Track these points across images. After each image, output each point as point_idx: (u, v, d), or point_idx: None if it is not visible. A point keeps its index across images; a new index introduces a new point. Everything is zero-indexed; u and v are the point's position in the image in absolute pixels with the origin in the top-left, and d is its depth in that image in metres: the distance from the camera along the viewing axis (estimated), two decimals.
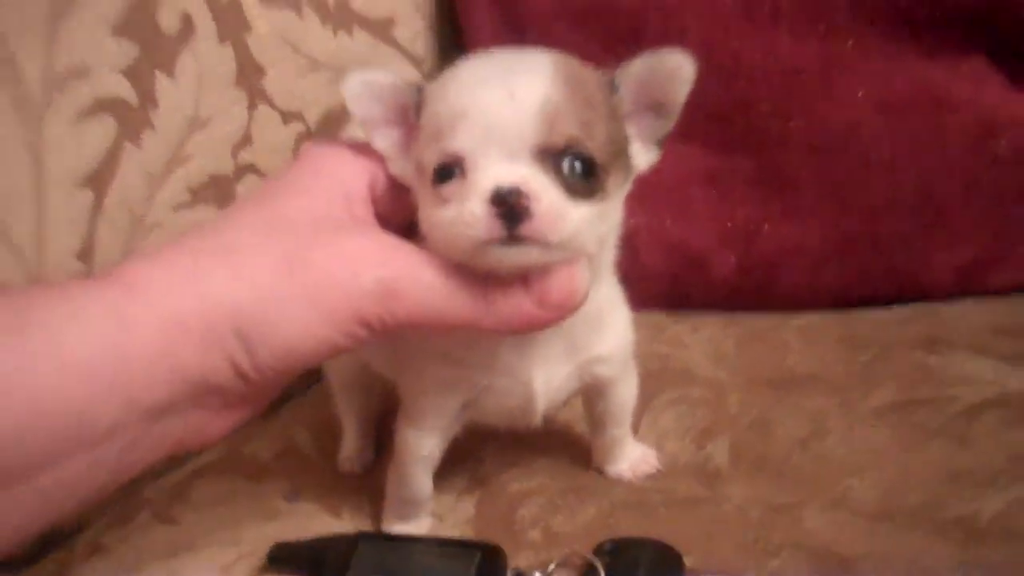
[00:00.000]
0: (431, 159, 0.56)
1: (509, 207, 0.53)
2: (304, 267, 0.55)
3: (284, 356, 0.55)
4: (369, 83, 0.60)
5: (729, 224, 0.88)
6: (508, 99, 0.55)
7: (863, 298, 0.85)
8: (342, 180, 0.60)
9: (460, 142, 0.55)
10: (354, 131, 0.70)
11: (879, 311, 0.86)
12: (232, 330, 0.54)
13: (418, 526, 0.69)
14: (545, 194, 0.54)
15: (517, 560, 0.63)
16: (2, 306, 0.52)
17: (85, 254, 0.73)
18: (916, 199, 0.85)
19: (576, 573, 0.62)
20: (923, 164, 0.85)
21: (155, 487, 0.78)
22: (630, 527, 0.66)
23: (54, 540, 0.74)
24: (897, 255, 0.86)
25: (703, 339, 0.87)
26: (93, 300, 0.53)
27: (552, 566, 0.62)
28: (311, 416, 0.84)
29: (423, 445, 0.66)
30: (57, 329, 0.51)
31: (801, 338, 0.85)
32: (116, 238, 0.75)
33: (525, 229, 0.53)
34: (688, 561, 0.62)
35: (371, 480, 0.74)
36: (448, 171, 0.55)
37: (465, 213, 0.54)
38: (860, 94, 0.85)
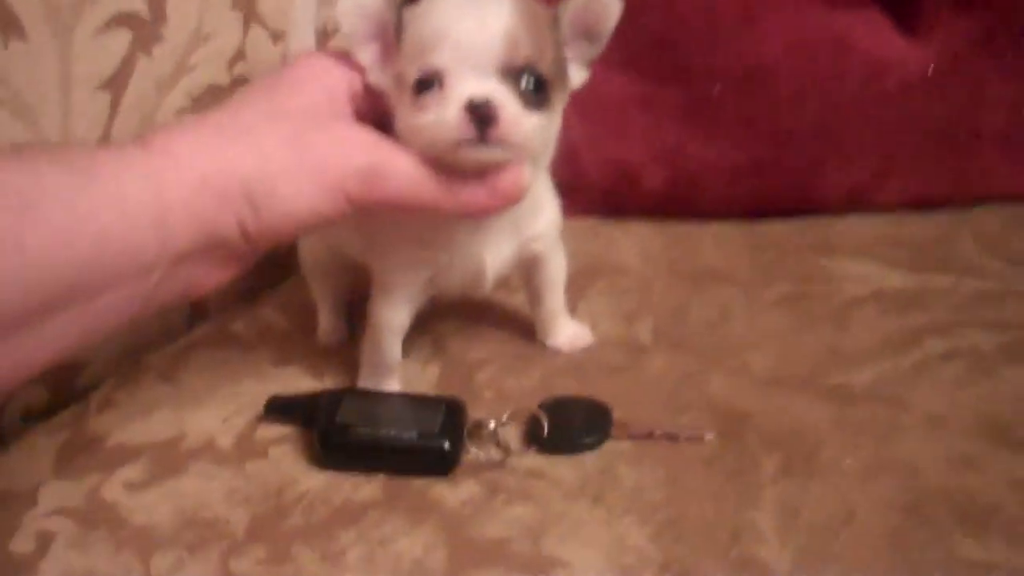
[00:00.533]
0: (412, 73, 0.66)
1: (480, 113, 0.63)
2: (305, 147, 0.65)
3: (282, 219, 0.64)
4: (358, 3, 0.68)
5: (659, 144, 0.95)
6: (480, 26, 0.65)
7: (770, 211, 0.93)
8: (329, 82, 0.69)
9: (439, 59, 0.65)
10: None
11: (782, 222, 0.94)
12: (243, 194, 0.63)
13: (390, 387, 0.78)
14: (508, 104, 0.64)
15: (475, 414, 0.72)
16: (78, 156, 0.61)
17: None
18: (817, 127, 0.93)
19: (524, 423, 0.72)
20: (823, 98, 0.93)
21: (156, 355, 0.85)
22: (568, 388, 0.75)
23: (66, 400, 0.82)
24: (799, 174, 0.95)
25: (633, 240, 0.94)
26: (141, 160, 0.62)
27: (505, 416, 0.71)
28: (288, 302, 0.91)
29: (395, 316, 0.76)
30: (118, 181, 0.60)
31: (715, 241, 0.93)
32: (129, 134, 0.82)
33: (492, 132, 0.64)
34: (615, 415, 0.72)
35: (348, 352, 0.81)
36: (428, 83, 0.65)
37: (443, 117, 0.64)
38: (775, 35, 0.92)
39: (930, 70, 0.93)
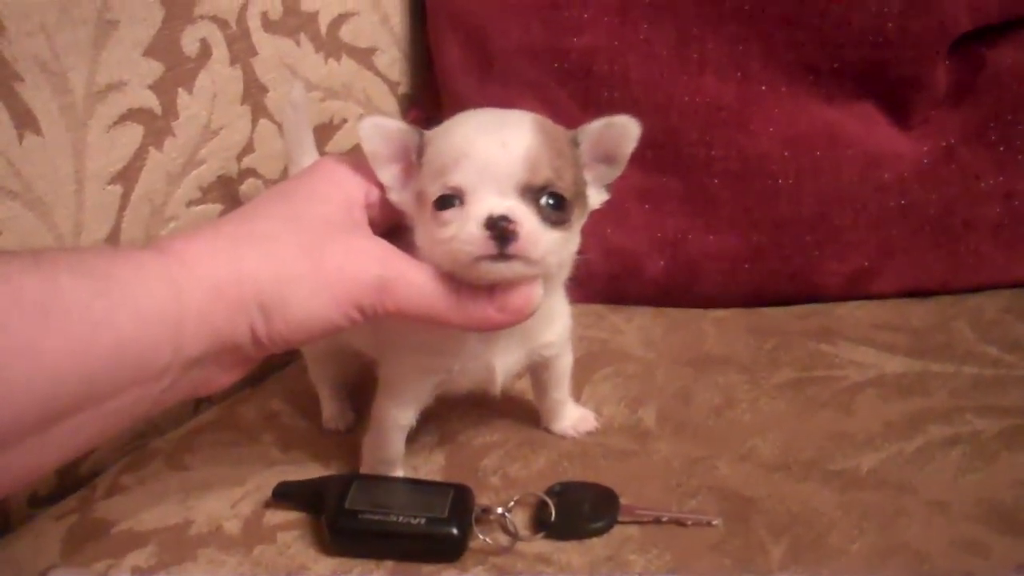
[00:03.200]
0: (434, 190, 0.68)
1: (501, 230, 0.65)
2: (320, 257, 0.66)
3: (295, 327, 0.65)
4: (379, 126, 0.71)
5: (659, 233, 0.96)
6: (501, 147, 0.67)
7: (769, 297, 0.94)
8: (347, 189, 0.71)
9: (461, 178, 0.67)
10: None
11: (782, 309, 0.95)
12: (256, 302, 0.64)
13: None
14: (527, 221, 0.66)
15: (482, 499, 0.73)
16: (95, 261, 0.61)
17: (112, 238, 0.83)
18: (814, 217, 0.94)
19: (531, 509, 0.73)
20: (820, 189, 0.94)
21: (163, 440, 0.86)
22: (575, 473, 0.76)
23: (72, 485, 0.82)
24: (797, 262, 0.95)
25: (636, 327, 0.95)
26: (157, 267, 0.62)
27: (511, 503, 0.72)
28: (293, 387, 0.91)
29: (401, 415, 0.76)
30: (133, 286, 0.60)
31: (717, 328, 0.94)
32: (139, 227, 0.85)
33: (512, 248, 0.65)
34: (623, 500, 0.72)
35: (354, 437, 0.81)
36: (449, 200, 0.67)
37: (464, 233, 0.66)
38: (771, 129, 0.94)
39: (925, 162, 0.95)
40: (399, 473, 0.78)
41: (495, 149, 0.67)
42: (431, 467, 0.80)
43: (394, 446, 0.77)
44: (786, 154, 0.94)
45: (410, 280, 0.67)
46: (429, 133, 0.70)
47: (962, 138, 0.96)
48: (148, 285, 0.61)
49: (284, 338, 0.65)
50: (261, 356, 0.67)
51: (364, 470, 0.78)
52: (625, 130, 0.70)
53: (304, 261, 0.65)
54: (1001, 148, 0.95)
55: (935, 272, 0.97)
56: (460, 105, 0.96)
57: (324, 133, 0.98)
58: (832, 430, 0.79)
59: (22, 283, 0.57)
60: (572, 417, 0.83)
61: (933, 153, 0.96)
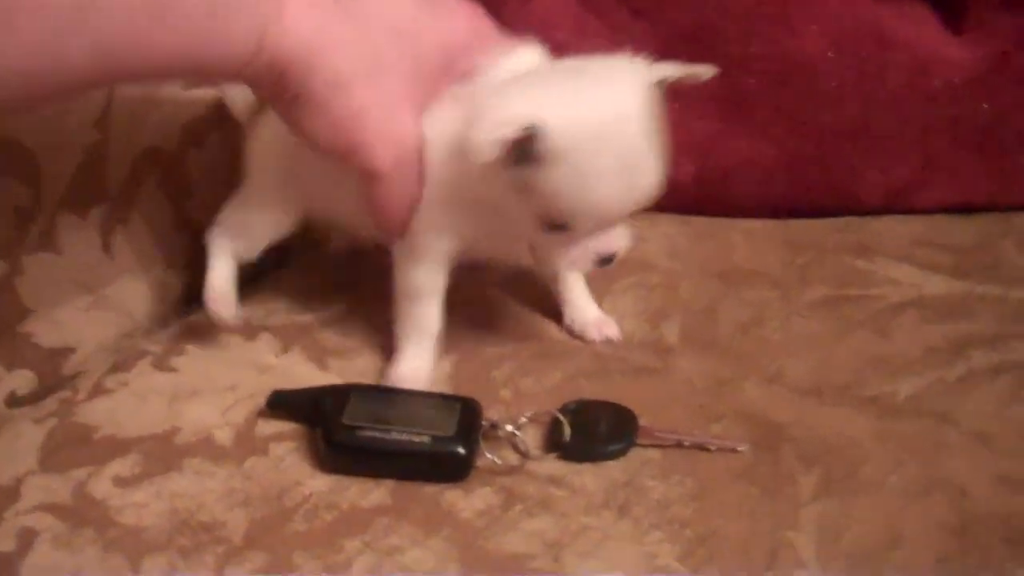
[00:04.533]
0: (548, 213, 0.65)
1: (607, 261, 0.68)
2: None
3: None
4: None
5: (689, 136, 0.91)
6: (628, 191, 0.65)
7: (804, 209, 0.90)
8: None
9: (579, 219, 0.65)
10: None
11: (817, 221, 0.91)
12: None
13: (431, 360, 0.74)
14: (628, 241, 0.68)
15: (490, 414, 0.68)
16: None
17: None
18: (857, 126, 0.90)
19: (544, 427, 0.68)
20: (865, 95, 0.90)
21: (150, 339, 0.81)
22: (591, 391, 0.72)
23: (53, 386, 0.78)
24: (836, 173, 0.91)
25: (660, 234, 0.91)
26: None
27: (523, 419, 0.68)
28: (291, 286, 0.87)
29: (428, 279, 0.73)
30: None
31: (747, 239, 0.90)
32: None
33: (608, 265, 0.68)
34: (642, 421, 0.68)
35: (355, 340, 0.78)
36: (561, 226, 0.65)
37: (571, 254, 0.67)
38: (815, 27, 0.89)
39: (977, 70, 0.90)
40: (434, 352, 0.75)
41: (621, 198, 0.65)
42: (438, 376, 0.75)
43: (428, 315, 0.74)
44: (830, 55, 0.90)
45: None
46: (552, 142, 0.63)
47: (1018, 44, 0.91)
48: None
49: None
50: None
51: (401, 354, 0.74)
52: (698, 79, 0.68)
53: None
54: None
55: (982, 187, 0.93)
56: None
57: None
58: (868, 353, 0.75)
59: None
60: (593, 315, 0.79)
61: (987, 60, 0.91)
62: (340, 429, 0.67)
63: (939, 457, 0.65)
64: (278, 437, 0.69)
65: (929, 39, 0.91)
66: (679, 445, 0.67)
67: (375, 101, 0.66)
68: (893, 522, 0.60)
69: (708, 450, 0.66)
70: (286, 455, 0.68)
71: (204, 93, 0.88)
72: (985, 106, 0.90)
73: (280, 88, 0.65)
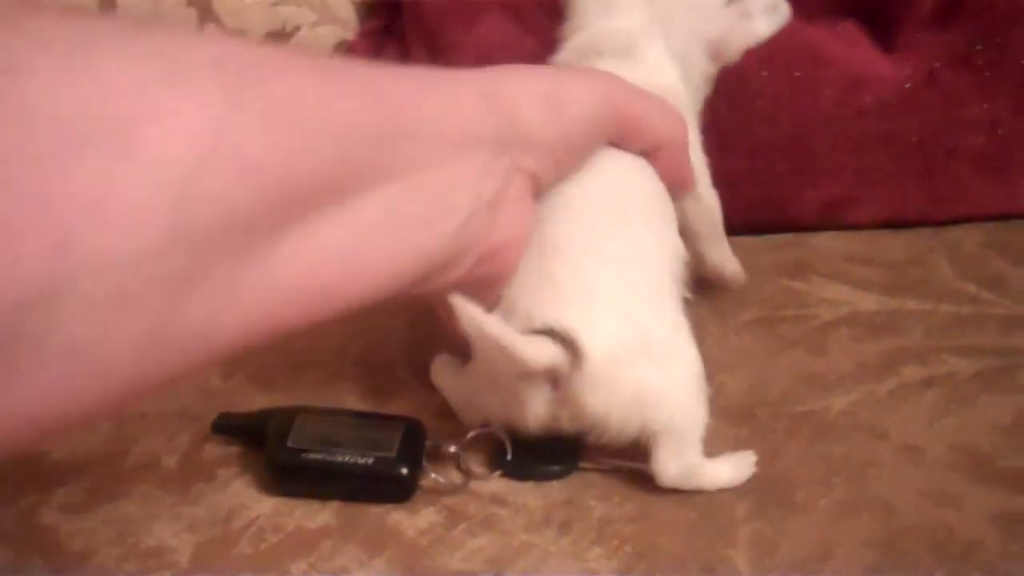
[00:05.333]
0: None
1: None
2: None
3: None
4: None
5: None
6: None
7: (741, 226, 0.88)
8: None
9: None
10: None
11: (754, 239, 0.91)
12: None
13: None
14: None
15: (434, 434, 0.69)
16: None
17: None
18: (791, 143, 0.91)
19: (487, 447, 0.69)
20: (798, 113, 0.91)
21: None
22: None
23: None
24: (772, 190, 0.92)
25: None
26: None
27: (466, 439, 0.68)
28: None
29: None
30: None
31: None
32: None
33: None
34: (585, 442, 0.67)
35: (298, 363, 0.78)
36: None
37: None
38: (749, 49, 0.85)
39: (907, 86, 0.91)
40: None
41: None
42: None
43: None
44: (764, 74, 0.90)
45: None
46: None
47: (947, 62, 0.92)
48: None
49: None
50: None
51: None
52: None
53: None
54: (987, 73, 0.92)
55: (914, 202, 0.94)
56: (421, 15, 0.92)
57: (277, 41, 0.93)
58: (802, 370, 0.76)
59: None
60: None
61: (916, 77, 0.92)
62: (285, 452, 0.67)
63: (869, 475, 0.67)
64: (224, 461, 0.70)
65: (860, 57, 0.92)
66: (620, 470, 0.68)
67: None
68: (824, 537, 0.62)
69: (647, 473, 0.66)
70: (232, 479, 0.68)
71: None
72: (915, 123, 0.91)
73: None
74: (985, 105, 0.92)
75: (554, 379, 0.62)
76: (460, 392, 0.71)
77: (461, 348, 0.65)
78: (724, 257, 0.80)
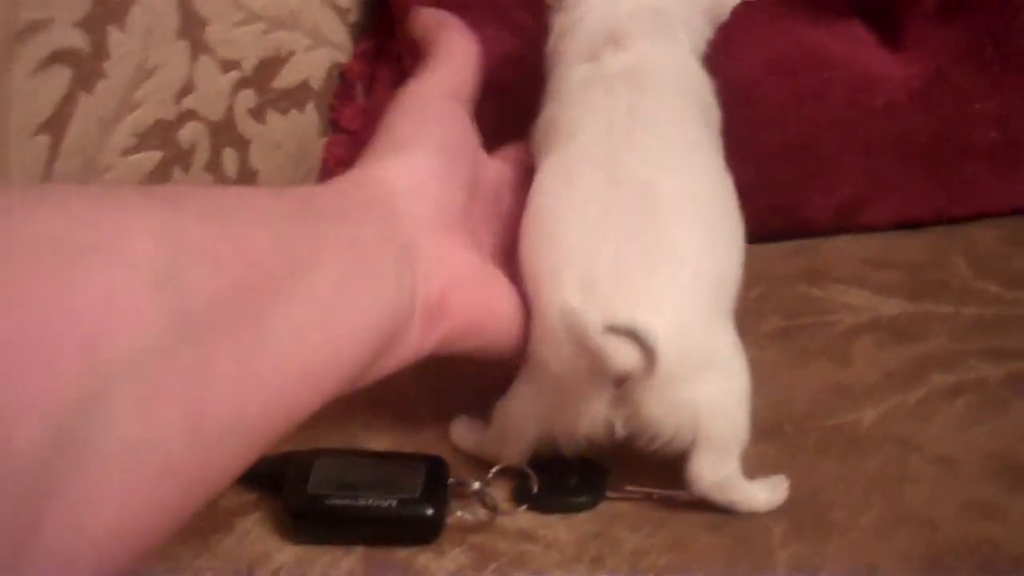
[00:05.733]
0: None
1: None
2: None
3: None
4: None
5: None
6: None
7: (754, 234, 0.89)
8: None
9: None
10: None
11: (768, 247, 0.89)
12: None
13: None
14: None
15: (457, 471, 0.68)
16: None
17: None
18: (800, 148, 0.90)
19: (512, 481, 0.68)
20: (806, 117, 0.89)
21: None
22: None
23: None
24: (782, 196, 0.91)
25: None
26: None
27: (490, 474, 0.67)
28: None
29: None
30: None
31: None
32: (72, 179, 0.77)
33: None
34: (611, 473, 0.67)
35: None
36: None
37: None
38: (754, 54, 0.89)
39: (916, 85, 0.91)
40: None
41: None
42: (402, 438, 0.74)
43: None
44: (771, 79, 0.90)
45: None
46: None
47: (954, 58, 0.91)
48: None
49: None
50: None
51: None
52: None
53: None
54: (996, 68, 0.91)
55: (928, 201, 0.93)
56: None
57: (271, 68, 0.91)
58: (828, 382, 0.75)
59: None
60: None
61: (924, 75, 0.91)
62: (306, 498, 0.66)
63: (906, 490, 0.65)
64: (242, 509, 0.68)
65: (867, 58, 0.91)
66: (649, 497, 0.66)
67: None
68: (866, 557, 0.61)
69: (677, 501, 0.65)
70: (252, 527, 0.67)
71: None
72: (926, 121, 0.91)
73: None
74: (996, 100, 0.91)
75: (621, 381, 0.61)
76: (495, 423, 0.69)
77: (495, 362, 0.66)
78: None
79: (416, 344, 0.61)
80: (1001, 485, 0.65)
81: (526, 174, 0.71)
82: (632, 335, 0.57)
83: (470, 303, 0.63)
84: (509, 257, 0.68)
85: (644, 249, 0.63)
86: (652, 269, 0.62)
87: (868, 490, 0.65)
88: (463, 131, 0.68)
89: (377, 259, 0.58)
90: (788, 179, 0.91)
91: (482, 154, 0.71)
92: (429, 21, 0.74)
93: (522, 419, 0.66)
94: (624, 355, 0.58)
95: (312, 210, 0.56)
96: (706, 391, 0.62)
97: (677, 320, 0.61)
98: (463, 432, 0.72)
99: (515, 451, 0.68)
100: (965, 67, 0.91)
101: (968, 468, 0.67)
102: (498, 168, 0.73)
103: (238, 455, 0.48)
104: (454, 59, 0.71)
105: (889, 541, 0.62)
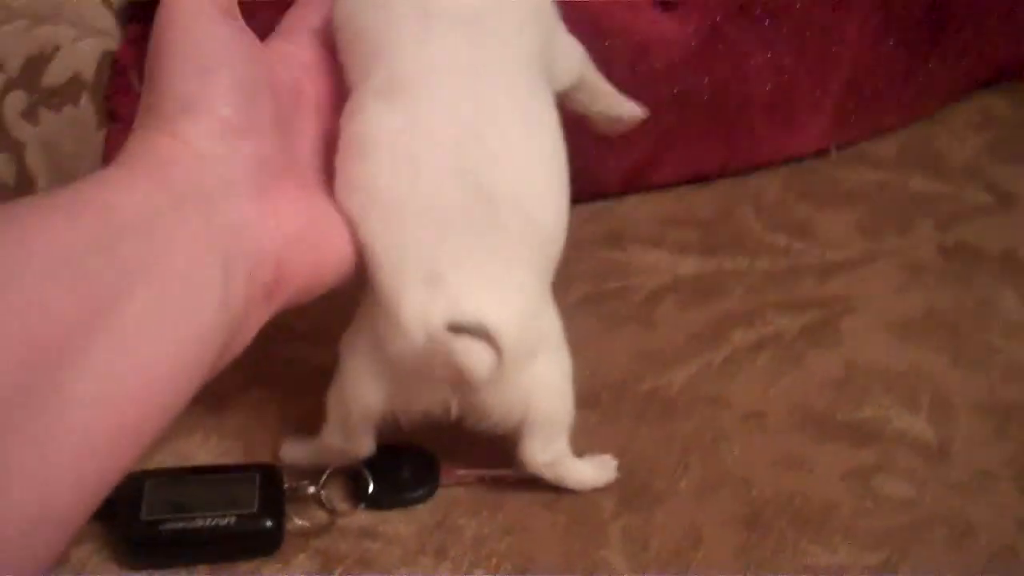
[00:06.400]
0: None
1: None
2: None
3: None
4: None
5: None
6: None
7: None
8: None
9: None
10: None
11: None
12: None
13: None
14: None
15: (291, 476, 0.67)
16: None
17: None
18: None
19: (346, 481, 0.68)
20: None
21: None
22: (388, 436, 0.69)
23: None
24: (577, 162, 0.88)
25: None
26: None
27: (324, 477, 0.67)
28: None
29: None
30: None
31: None
32: None
33: None
34: (443, 461, 0.68)
35: None
36: None
37: None
38: None
39: (693, 44, 0.93)
40: None
41: None
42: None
43: None
44: None
45: None
46: None
47: (728, 14, 0.94)
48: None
49: None
50: None
51: None
52: None
53: None
54: (767, 22, 0.94)
55: (713, 156, 0.97)
56: None
57: (38, 65, 0.87)
58: (638, 347, 0.78)
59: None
60: None
61: (700, 33, 0.94)
62: (140, 525, 0.64)
63: (720, 451, 0.69)
64: (75, 540, 0.65)
65: (645, 23, 0.93)
66: (482, 480, 0.68)
67: None
68: (691, 522, 0.64)
69: (510, 480, 0.67)
70: (88, 558, 0.65)
71: None
72: (705, 79, 0.94)
73: None
74: (768, 54, 0.95)
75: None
76: (333, 413, 0.67)
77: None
78: (615, 99, 0.79)
79: (256, 324, 0.58)
80: (806, 436, 0.70)
81: (321, 50, 0.66)
82: (480, 333, 0.57)
83: (306, 262, 0.59)
84: (330, 162, 0.63)
85: (485, 237, 0.61)
86: (493, 257, 0.61)
87: (685, 453, 0.69)
88: (249, 53, 0.59)
89: (197, 271, 0.53)
90: (582, 145, 0.91)
91: (267, 55, 0.61)
92: None
93: (363, 400, 0.65)
94: (475, 357, 0.58)
95: (115, 229, 0.50)
96: (538, 373, 0.63)
97: (519, 311, 0.61)
98: (295, 449, 0.70)
99: (358, 439, 0.67)
100: (738, 23, 0.94)
101: (775, 422, 0.71)
102: (288, 56, 0.65)
103: (50, 542, 0.46)
104: None
105: (710, 503, 0.66)
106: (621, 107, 0.79)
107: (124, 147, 0.55)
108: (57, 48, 0.89)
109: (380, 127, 0.60)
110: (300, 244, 0.58)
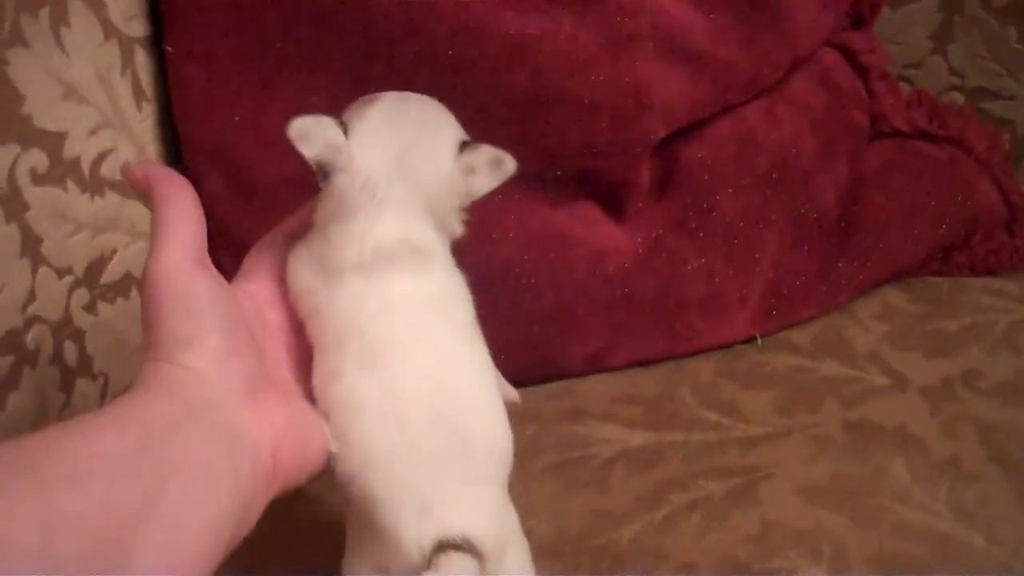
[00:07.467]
0: None
1: None
2: None
3: None
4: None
5: None
6: None
7: (521, 381, 0.95)
8: None
9: None
10: None
11: (533, 390, 1.05)
12: None
13: None
14: None
15: None
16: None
17: None
18: (555, 310, 1.06)
19: None
20: (557, 285, 1.06)
21: None
22: None
23: None
24: (545, 350, 1.07)
25: None
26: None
27: None
28: None
29: None
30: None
31: None
32: None
33: None
34: None
35: None
36: None
37: None
38: (510, 236, 1.04)
39: (640, 252, 1.08)
40: None
41: None
42: None
43: None
44: (526, 257, 1.05)
45: None
46: None
47: (668, 228, 1.09)
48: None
49: None
50: None
51: None
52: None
53: None
54: (701, 234, 1.10)
55: (657, 345, 1.11)
56: (223, 232, 1.03)
57: (98, 267, 1.02)
58: (594, 507, 0.90)
59: None
60: None
61: (646, 243, 1.09)
62: None
63: None
64: None
65: (601, 234, 1.08)
66: None
67: None
68: None
69: None
70: None
71: None
72: (651, 281, 1.09)
73: None
74: (702, 260, 1.10)
75: None
76: None
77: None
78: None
79: (261, 504, 0.68)
80: None
81: (277, 286, 0.76)
82: (467, 547, 0.65)
83: (295, 451, 0.68)
84: (298, 364, 0.74)
85: (461, 466, 0.69)
86: (469, 480, 0.69)
87: None
88: (225, 296, 0.69)
89: (213, 465, 0.62)
90: (547, 336, 1.08)
91: (236, 294, 0.72)
92: (137, 176, 0.71)
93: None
94: (462, 567, 0.65)
95: (151, 434, 0.60)
96: (510, 562, 0.71)
97: (494, 518, 0.69)
98: None
99: None
100: (677, 235, 1.10)
101: (705, 571, 0.84)
102: (251, 294, 0.75)
103: None
104: (186, 214, 0.69)
105: None
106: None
107: (139, 374, 0.67)
108: (114, 252, 1.04)
109: (363, 393, 0.69)
110: (288, 438, 0.68)
